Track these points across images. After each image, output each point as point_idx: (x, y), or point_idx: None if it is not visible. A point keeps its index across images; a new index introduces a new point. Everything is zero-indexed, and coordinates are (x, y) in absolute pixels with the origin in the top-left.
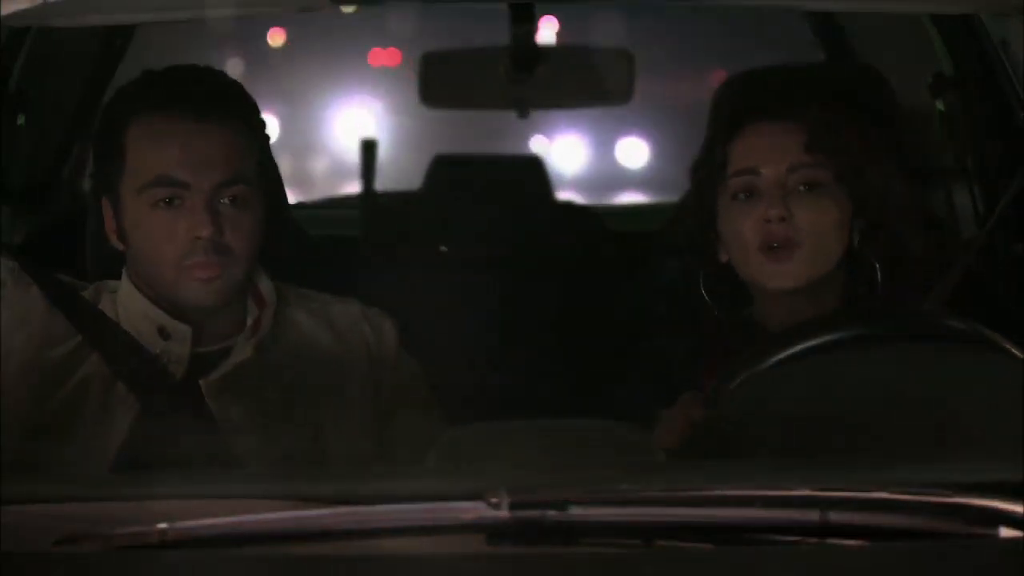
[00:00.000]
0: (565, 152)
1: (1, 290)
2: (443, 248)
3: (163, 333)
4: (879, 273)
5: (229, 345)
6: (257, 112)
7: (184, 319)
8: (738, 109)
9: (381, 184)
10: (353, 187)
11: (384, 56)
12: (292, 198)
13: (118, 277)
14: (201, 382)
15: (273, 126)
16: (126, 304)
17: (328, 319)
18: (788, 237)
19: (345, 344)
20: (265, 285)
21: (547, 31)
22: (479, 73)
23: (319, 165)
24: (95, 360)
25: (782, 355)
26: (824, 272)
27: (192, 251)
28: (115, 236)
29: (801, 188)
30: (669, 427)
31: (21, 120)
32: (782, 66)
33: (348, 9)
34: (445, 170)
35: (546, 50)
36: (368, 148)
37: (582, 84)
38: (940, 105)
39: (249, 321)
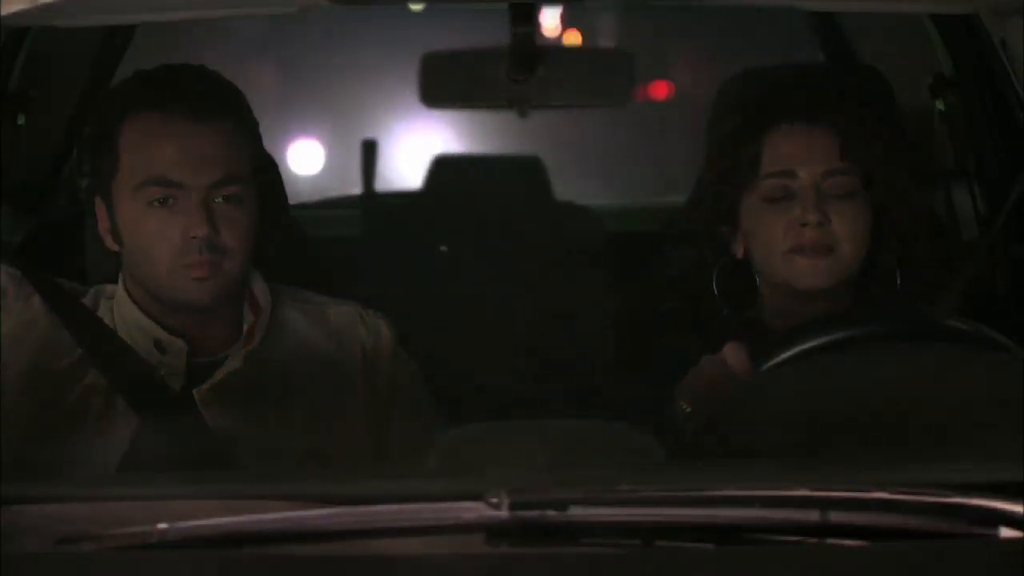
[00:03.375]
0: (565, 152)
1: (2, 299)
2: (443, 248)
3: (159, 346)
4: (899, 276)
5: (226, 355)
6: (250, 110)
7: (179, 332)
8: (769, 107)
9: (381, 184)
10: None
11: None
12: (292, 198)
13: (116, 279)
14: (194, 392)
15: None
16: (122, 313)
17: (324, 321)
18: (823, 242)
19: (341, 346)
20: (260, 289)
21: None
22: (479, 73)
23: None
24: (96, 372)
25: (784, 355)
26: (850, 276)
27: (187, 250)
28: (109, 236)
29: (834, 193)
30: (707, 369)
31: (21, 120)
32: (807, 65)
33: (416, 7)
34: (445, 170)
35: (546, 50)
36: (368, 148)
37: (582, 84)
38: (940, 105)
39: (244, 328)
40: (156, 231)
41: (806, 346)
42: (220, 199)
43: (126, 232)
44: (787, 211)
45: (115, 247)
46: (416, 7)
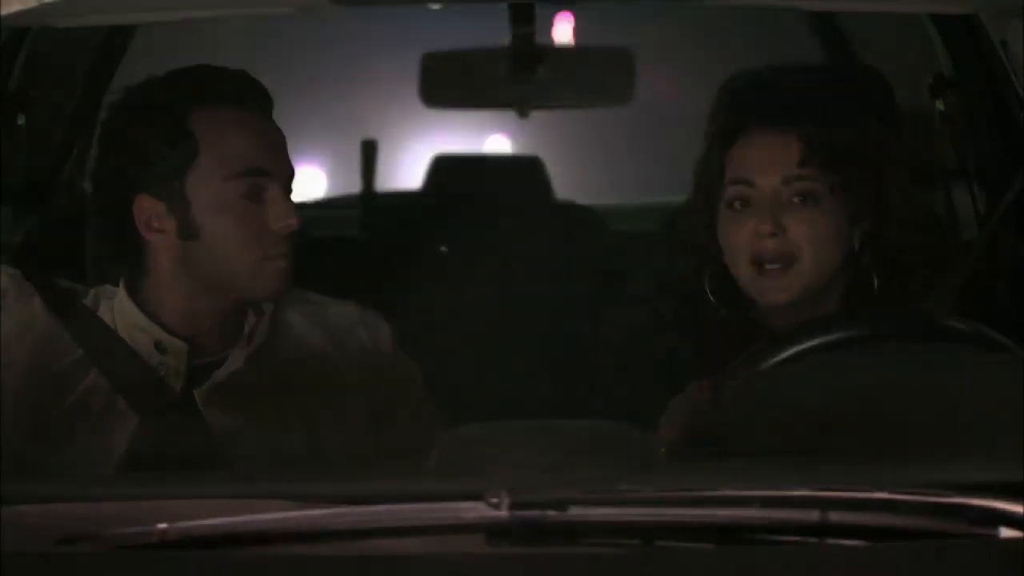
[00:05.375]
0: (565, 152)
1: (2, 299)
2: (443, 248)
3: (159, 347)
4: (875, 279)
5: (226, 355)
6: None
7: (179, 332)
8: (736, 114)
9: (381, 184)
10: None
11: None
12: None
13: (117, 279)
14: (195, 392)
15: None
16: (123, 314)
17: (324, 322)
18: (780, 252)
19: (341, 347)
20: None
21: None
22: (479, 73)
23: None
24: (96, 372)
25: (782, 355)
26: (819, 284)
27: (276, 242)
28: (175, 230)
29: (796, 200)
30: (677, 413)
31: (21, 120)
32: (781, 68)
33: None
34: (445, 170)
35: (546, 50)
36: (368, 148)
37: (582, 84)
38: (940, 105)
39: (246, 329)
40: (246, 222)
41: (803, 347)
42: (291, 189)
43: (207, 224)
44: (747, 221)
45: (173, 240)
46: (435, 5)
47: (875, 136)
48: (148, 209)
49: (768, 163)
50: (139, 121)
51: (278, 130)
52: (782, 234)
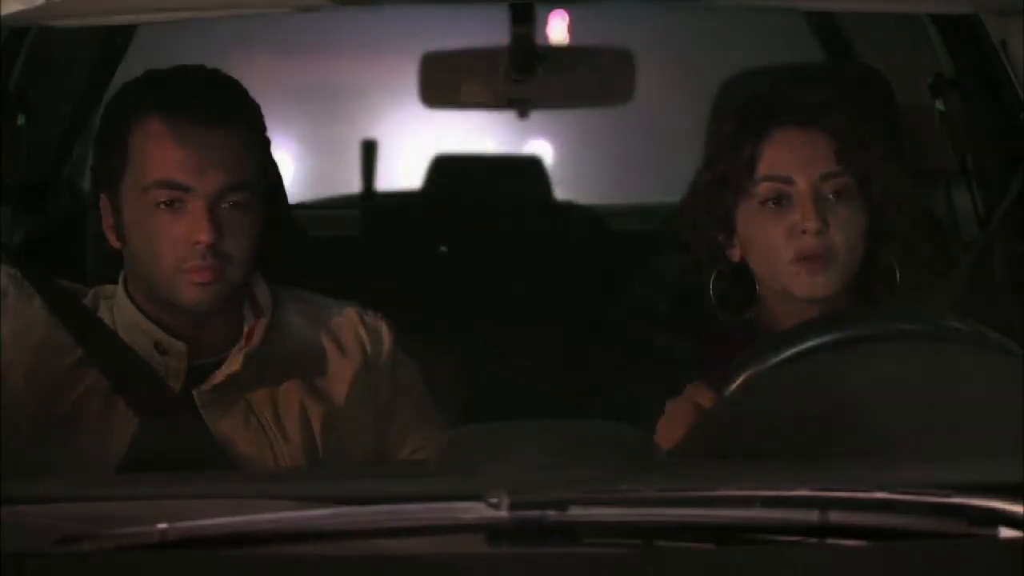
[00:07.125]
0: (565, 152)
1: (2, 299)
2: (443, 248)
3: (159, 347)
4: (897, 276)
5: (226, 356)
6: (260, 114)
7: (179, 333)
8: (764, 111)
9: (381, 184)
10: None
11: None
12: (293, 198)
13: (117, 279)
14: (194, 392)
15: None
16: (122, 314)
17: (324, 322)
18: (823, 248)
19: (341, 347)
20: (262, 292)
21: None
22: (479, 73)
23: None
24: (96, 372)
25: (783, 355)
26: (851, 279)
27: (191, 255)
28: (112, 234)
29: (832, 197)
30: (676, 415)
31: (21, 120)
32: (804, 65)
33: None
34: (445, 170)
35: (546, 50)
36: (368, 148)
37: (582, 84)
38: (940, 105)
39: (245, 330)
40: (161, 233)
41: (802, 347)
42: (227, 205)
43: (130, 232)
44: (785, 217)
45: (117, 245)
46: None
47: (893, 134)
48: (104, 209)
49: (807, 159)
50: (104, 123)
51: (230, 142)
52: (825, 231)
